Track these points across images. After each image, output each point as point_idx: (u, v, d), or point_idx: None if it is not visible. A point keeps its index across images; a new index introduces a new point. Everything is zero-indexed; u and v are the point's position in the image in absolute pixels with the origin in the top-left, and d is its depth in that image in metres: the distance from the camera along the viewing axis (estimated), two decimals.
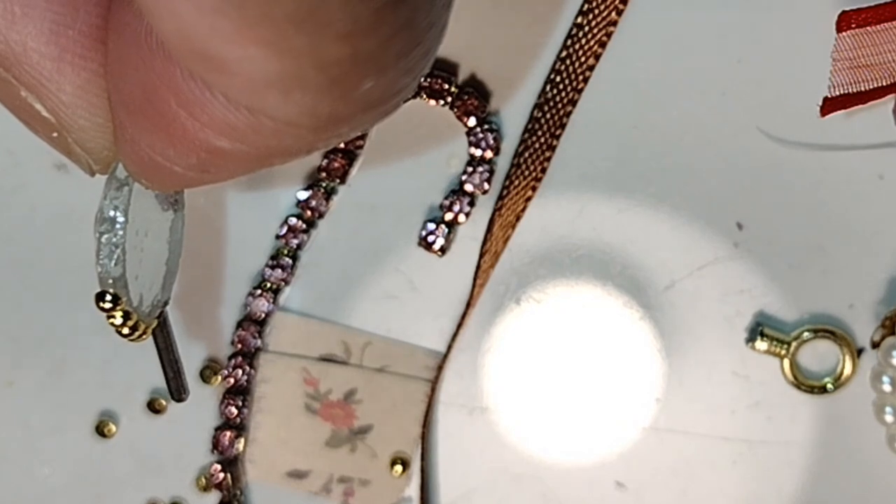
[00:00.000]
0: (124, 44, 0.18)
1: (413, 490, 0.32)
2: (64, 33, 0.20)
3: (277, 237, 0.32)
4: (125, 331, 0.24)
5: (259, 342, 0.32)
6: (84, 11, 0.20)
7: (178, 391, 0.28)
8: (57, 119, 0.20)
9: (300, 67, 0.16)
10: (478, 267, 0.32)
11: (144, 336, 0.25)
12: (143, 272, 0.25)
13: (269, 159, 0.19)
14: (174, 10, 0.15)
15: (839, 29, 0.28)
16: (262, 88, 0.16)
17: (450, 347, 0.32)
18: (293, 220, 0.32)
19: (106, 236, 0.24)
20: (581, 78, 0.31)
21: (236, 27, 0.15)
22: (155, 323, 0.26)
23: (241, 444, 0.32)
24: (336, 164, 0.31)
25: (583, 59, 0.31)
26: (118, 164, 0.22)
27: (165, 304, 0.26)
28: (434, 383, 0.32)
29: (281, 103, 0.17)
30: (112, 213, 0.23)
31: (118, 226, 0.23)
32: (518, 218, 0.31)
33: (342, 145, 0.31)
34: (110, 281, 0.24)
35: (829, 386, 0.31)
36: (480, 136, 0.31)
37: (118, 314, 0.24)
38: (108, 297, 0.23)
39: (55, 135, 0.21)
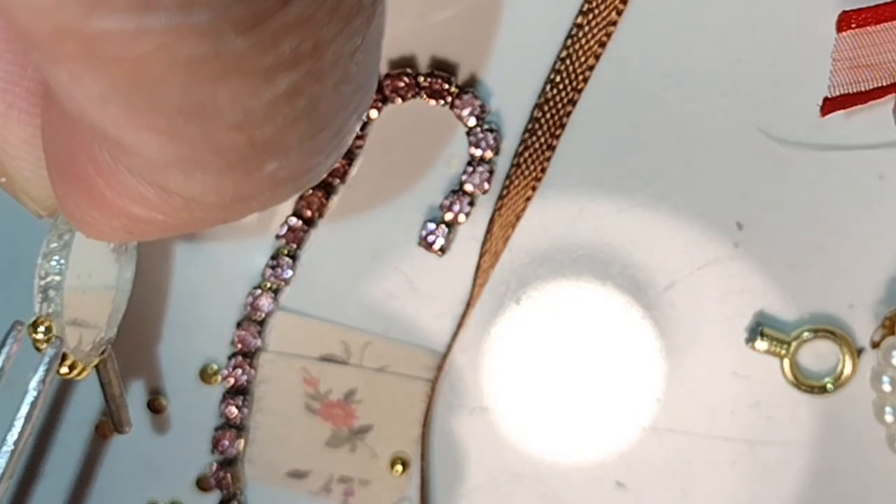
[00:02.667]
0: (53, 110, 0.19)
1: (413, 490, 0.32)
2: (11, 90, 0.20)
3: (277, 237, 0.32)
4: (63, 370, 0.25)
5: (259, 342, 0.32)
6: (32, 69, 0.20)
7: (119, 424, 0.30)
8: (3, 167, 0.21)
9: (195, 152, 0.16)
10: (478, 267, 0.32)
11: (83, 374, 0.26)
12: (84, 314, 0.25)
13: (187, 227, 0.19)
14: (69, 95, 0.15)
15: (839, 29, 0.28)
16: (162, 168, 0.16)
17: (450, 347, 0.32)
18: (293, 220, 0.32)
19: (45, 281, 0.24)
20: (581, 78, 0.31)
21: (125, 116, 0.15)
22: (96, 360, 0.27)
23: (241, 444, 0.32)
24: (336, 164, 0.31)
25: (583, 59, 0.31)
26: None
27: (109, 341, 0.27)
28: (434, 383, 0.32)
29: (184, 182, 0.17)
30: (53, 258, 0.24)
31: (57, 270, 0.24)
32: (518, 218, 0.31)
33: None
34: (48, 325, 0.24)
35: (829, 386, 0.31)
36: (480, 136, 0.31)
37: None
38: (42, 330, 0.24)
39: (3, 180, 0.21)
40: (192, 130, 0.15)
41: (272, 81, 0.15)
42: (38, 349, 0.24)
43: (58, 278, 0.24)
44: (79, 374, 0.25)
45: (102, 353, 0.27)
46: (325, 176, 0.18)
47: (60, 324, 0.24)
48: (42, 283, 0.24)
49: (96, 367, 0.27)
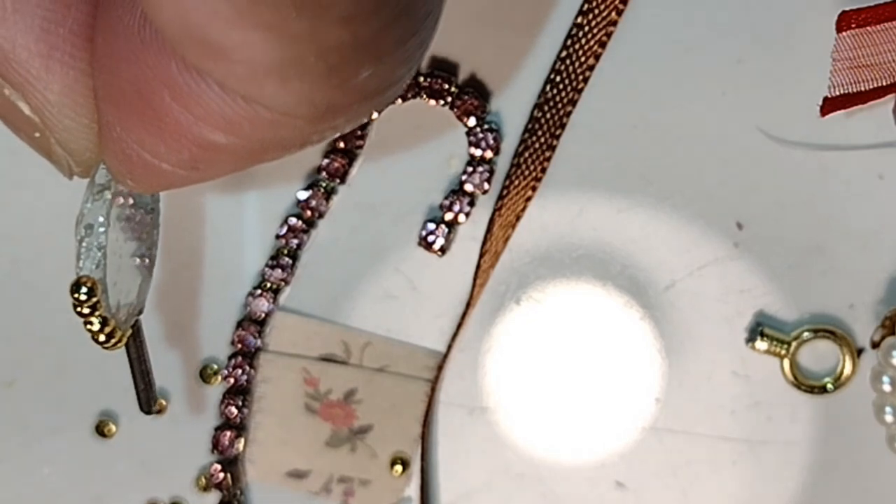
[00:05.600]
0: (115, 38, 0.18)
1: (413, 490, 0.32)
2: (54, 31, 0.19)
3: (277, 237, 0.32)
4: (101, 338, 0.24)
5: (259, 342, 0.32)
6: (75, 9, 0.19)
7: (147, 403, 0.28)
8: (41, 118, 0.20)
9: (300, 53, 0.16)
10: (478, 267, 0.32)
11: (119, 344, 0.25)
12: (121, 279, 0.24)
13: (263, 154, 0.18)
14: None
15: (839, 29, 0.28)
16: (260, 76, 0.16)
17: (450, 347, 0.32)
18: (293, 220, 0.32)
19: (87, 240, 0.23)
20: (581, 78, 0.31)
21: (238, 9, 0.15)
22: (129, 332, 0.26)
23: (241, 444, 0.32)
24: (336, 164, 0.31)
25: (583, 59, 0.31)
26: (98, 168, 0.22)
27: (140, 312, 0.26)
28: (434, 383, 0.32)
29: (279, 91, 0.17)
30: (93, 217, 0.23)
31: (100, 230, 0.23)
32: (518, 218, 0.31)
33: (342, 145, 0.31)
34: (90, 285, 0.23)
35: (829, 386, 0.31)
36: (480, 136, 0.31)
37: (95, 320, 0.24)
38: (84, 291, 0.23)
39: (37, 135, 0.21)
40: (302, 25, 0.15)
41: None
42: (79, 313, 0.23)
43: (102, 238, 0.23)
44: (115, 344, 0.25)
45: (134, 324, 0.26)
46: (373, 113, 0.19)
47: (104, 281, 0.23)
48: (84, 243, 0.23)
49: (126, 343, 0.26)
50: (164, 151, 0.18)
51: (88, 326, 0.24)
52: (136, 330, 0.26)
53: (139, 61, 0.18)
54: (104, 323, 0.24)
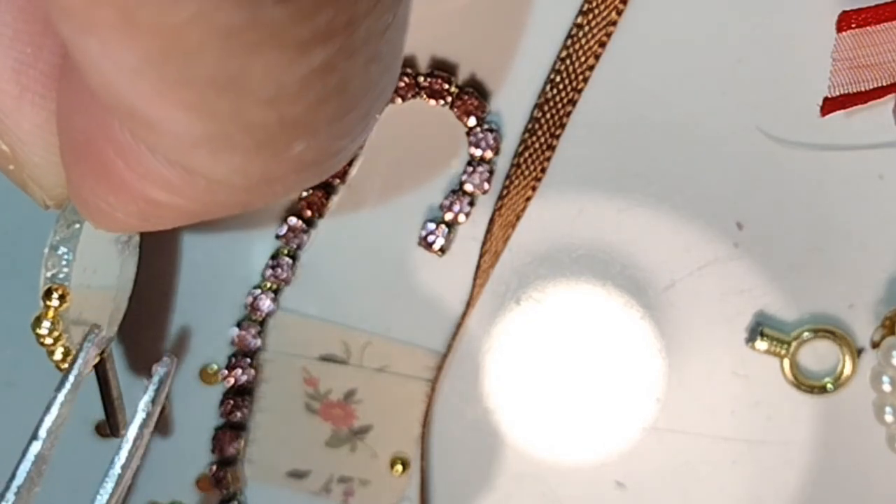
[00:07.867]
0: (71, 90, 0.18)
1: (413, 490, 0.32)
2: (26, 72, 0.20)
3: (277, 237, 0.32)
4: (65, 366, 0.24)
5: (259, 342, 0.32)
6: (48, 51, 0.19)
7: (115, 427, 0.29)
8: (13, 153, 0.21)
9: (225, 129, 0.16)
10: (478, 267, 0.32)
11: (85, 373, 0.25)
12: (88, 310, 0.25)
13: (206, 213, 0.18)
14: (98, 67, 0.15)
15: (839, 29, 0.28)
16: (189, 147, 0.16)
17: (450, 347, 0.32)
18: (293, 220, 0.32)
19: (52, 273, 0.24)
20: (581, 78, 0.31)
21: (157, 89, 0.15)
22: (97, 360, 0.26)
23: (241, 444, 0.32)
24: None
25: (583, 59, 0.31)
26: (71, 201, 0.22)
27: (110, 341, 0.26)
28: (434, 383, 0.32)
29: (210, 162, 0.16)
30: (60, 249, 0.24)
31: (64, 263, 0.24)
32: (518, 218, 0.31)
33: None
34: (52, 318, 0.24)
35: (829, 386, 0.31)
36: (480, 136, 0.31)
37: (58, 349, 0.24)
38: (45, 325, 0.24)
39: (11, 167, 0.21)
40: (223, 106, 0.15)
41: (306, 55, 0.15)
42: (42, 344, 0.24)
43: (65, 270, 0.24)
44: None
45: (102, 352, 0.26)
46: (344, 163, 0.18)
47: (66, 318, 0.24)
48: (49, 274, 0.24)
49: (96, 367, 0.26)
50: (115, 203, 0.19)
51: (51, 356, 0.24)
52: (104, 359, 0.27)
53: (89, 115, 0.18)
54: (67, 353, 0.24)
